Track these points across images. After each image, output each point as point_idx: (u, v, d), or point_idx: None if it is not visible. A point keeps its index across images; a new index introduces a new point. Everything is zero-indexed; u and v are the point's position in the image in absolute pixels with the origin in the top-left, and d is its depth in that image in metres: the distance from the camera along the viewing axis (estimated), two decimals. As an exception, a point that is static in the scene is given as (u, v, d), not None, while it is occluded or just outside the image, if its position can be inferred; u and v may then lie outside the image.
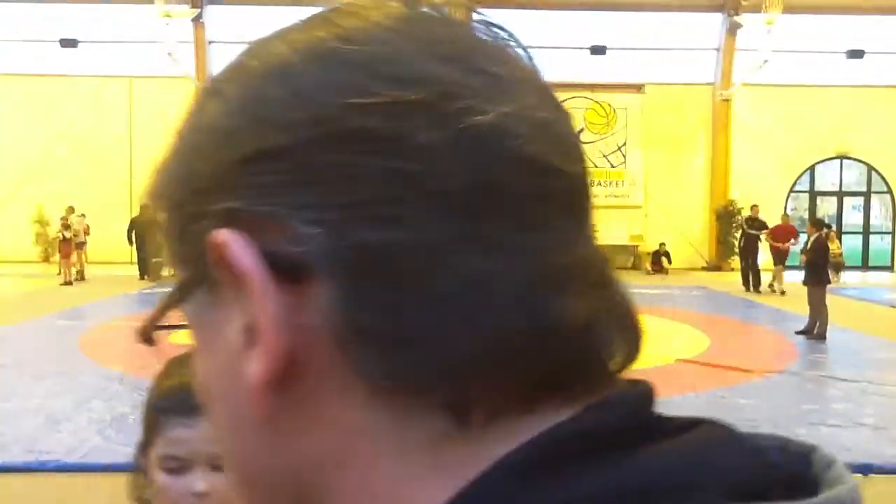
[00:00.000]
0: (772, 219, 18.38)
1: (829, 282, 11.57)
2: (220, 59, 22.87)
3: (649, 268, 21.59)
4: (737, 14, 21.38)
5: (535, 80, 0.40)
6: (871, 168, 23.48)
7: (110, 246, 20.42)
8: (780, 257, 17.26)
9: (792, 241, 17.23)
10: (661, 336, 11.24)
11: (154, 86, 22.09)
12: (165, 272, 19.04)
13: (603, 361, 0.38)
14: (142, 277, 18.27)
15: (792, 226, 18.48)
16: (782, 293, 16.24)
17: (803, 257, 11.95)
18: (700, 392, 7.68)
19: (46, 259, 20.71)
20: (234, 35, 22.83)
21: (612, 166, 23.03)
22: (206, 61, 22.75)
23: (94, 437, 6.01)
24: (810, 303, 11.11)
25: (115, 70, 22.64)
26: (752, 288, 17.27)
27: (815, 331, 10.95)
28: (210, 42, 22.87)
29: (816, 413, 6.98)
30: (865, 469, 5.62)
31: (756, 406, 7.21)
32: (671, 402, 7.19)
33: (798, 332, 10.97)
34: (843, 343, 10.77)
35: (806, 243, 12.03)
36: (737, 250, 19.64)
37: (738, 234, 20.49)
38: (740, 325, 12.03)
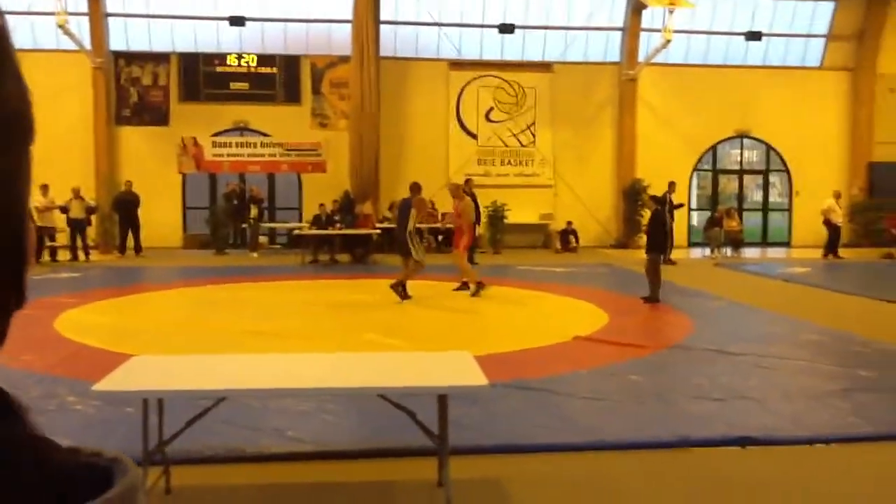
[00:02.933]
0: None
1: (664, 251, 12.90)
2: (118, 33, 22.00)
3: (559, 246, 21.86)
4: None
5: None
6: (769, 147, 24.24)
7: None
8: None
9: None
10: (560, 313, 11.34)
11: (46, 61, 21.04)
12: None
13: None
14: None
15: None
16: None
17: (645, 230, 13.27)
18: (591, 368, 7.71)
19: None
20: (133, 7, 21.95)
21: (522, 145, 23.15)
22: (104, 35, 21.77)
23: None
24: (646, 270, 12.25)
25: (3, 43, 21.46)
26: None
27: (650, 295, 12.08)
28: (107, 15, 21.89)
29: (703, 387, 7.06)
30: (743, 441, 5.69)
31: (644, 382, 7.27)
32: (562, 379, 7.22)
33: (644, 299, 12.02)
34: (736, 317, 11.04)
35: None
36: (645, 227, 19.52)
37: (645, 212, 20.81)
38: (640, 302, 12.20)
